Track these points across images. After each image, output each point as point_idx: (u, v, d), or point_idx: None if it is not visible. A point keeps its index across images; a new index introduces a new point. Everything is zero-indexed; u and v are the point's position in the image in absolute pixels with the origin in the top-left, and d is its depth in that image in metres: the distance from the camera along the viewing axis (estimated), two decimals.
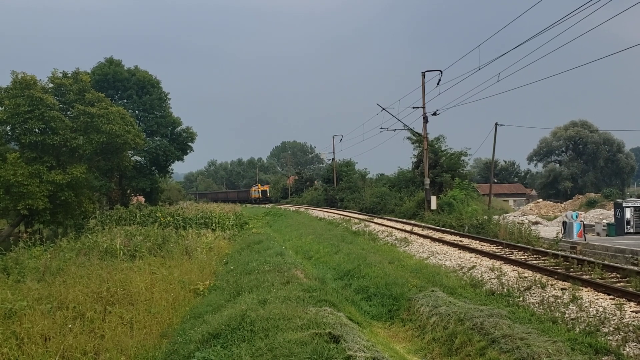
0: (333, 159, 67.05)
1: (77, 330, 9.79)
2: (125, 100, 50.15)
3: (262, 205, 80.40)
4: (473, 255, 17.15)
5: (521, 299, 11.46)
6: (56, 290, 12.10)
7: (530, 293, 11.65)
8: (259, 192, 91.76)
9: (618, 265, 13.97)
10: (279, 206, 69.25)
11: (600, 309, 9.66)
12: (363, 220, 33.49)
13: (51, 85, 31.82)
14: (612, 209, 28.98)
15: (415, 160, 44.90)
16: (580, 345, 8.13)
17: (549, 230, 26.66)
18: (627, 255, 18.14)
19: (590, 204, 55.26)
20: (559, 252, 16.25)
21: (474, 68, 25.12)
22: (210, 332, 8.84)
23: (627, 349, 8.04)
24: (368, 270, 15.88)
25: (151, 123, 50.39)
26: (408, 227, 27.23)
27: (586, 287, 11.39)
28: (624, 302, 9.92)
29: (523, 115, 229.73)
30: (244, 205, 77.20)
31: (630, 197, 53.07)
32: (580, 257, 15.45)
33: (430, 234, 23.59)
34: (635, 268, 13.24)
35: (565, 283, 11.90)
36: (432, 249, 19.23)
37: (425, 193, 34.02)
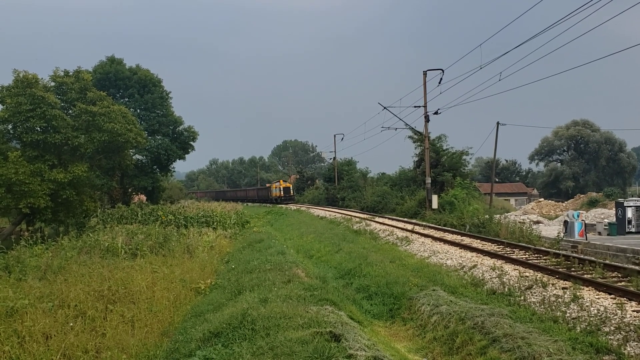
0: (334, 158, 67.02)
1: (79, 329, 9.81)
2: (126, 99, 50.20)
3: (284, 205, 67.52)
4: (474, 254, 17.14)
5: (522, 298, 11.46)
6: (57, 288, 12.12)
7: (531, 292, 11.64)
8: (280, 190, 75.76)
9: (619, 264, 13.95)
10: (280, 205, 69.21)
11: (601, 309, 9.64)
12: (364, 219, 33.48)
13: (53, 83, 31.84)
14: (614, 209, 28.96)
15: (416, 159, 44.87)
16: (581, 345, 8.13)
17: (550, 230, 26.63)
18: (628, 255, 18.12)
19: (592, 204, 55.21)
20: (560, 252, 16.23)
21: (475, 67, 25.10)
22: (211, 331, 8.85)
23: (628, 349, 8.03)
24: (369, 269, 15.89)
25: (153, 122, 50.42)
26: (409, 226, 27.21)
27: (587, 286, 11.37)
28: (625, 302, 9.91)
29: (524, 115, 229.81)
30: (245, 204, 76.55)
31: (632, 196, 52.99)
32: (582, 256, 15.43)
33: (431, 233, 23.57)
34: (637, 267, 13.22)
35: (567, 282, 11.89)
36: (433, 248, 19.22)
37: (426, 192, 33.99)
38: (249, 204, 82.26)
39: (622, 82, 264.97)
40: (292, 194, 76.91)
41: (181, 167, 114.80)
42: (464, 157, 41.90)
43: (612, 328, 8.77)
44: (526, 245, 17.89)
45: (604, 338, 8.46)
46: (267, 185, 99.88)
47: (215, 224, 32.60)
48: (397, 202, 40.75)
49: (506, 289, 12.24)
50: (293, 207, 59.08)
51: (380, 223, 30.38)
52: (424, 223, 28.47)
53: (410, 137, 42.48)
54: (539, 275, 12.78)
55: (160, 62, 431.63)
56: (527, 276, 12.81)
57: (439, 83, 31.24)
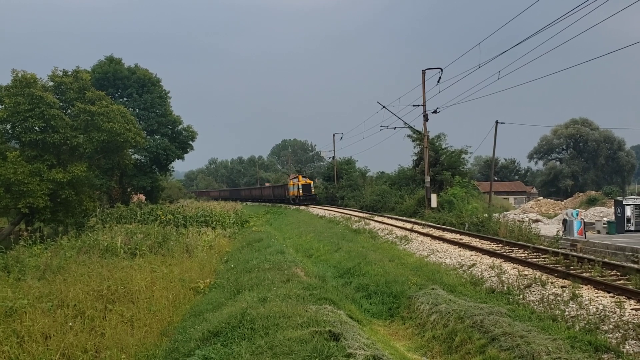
0: (333, 157, 67.03)
1: (78, 329, 9.82)
2: (125, 99, 50.14)
3: (304, 206, 55.66)
4: (473, 253, 17.15)
5: (521, 296, 11.47)
6: (57, 288, 12.13)
7: (530, 291, 11.65)
8: (298, 188, 60.32)
9: (618, 263, 13.96)
10: (279, 204, 69.12)
11: (600, 307, 9.66)
12: (363, 218, 33.49)
13: (51, 83, 31.84)
14: (613, 207, 28.97)
15: (415, 158, 44.89)
16: (580, 343, 8.13)
17: (550, 228, 26.64)
18: (627, 253, 18.13)
19: (591, 202, 55.24)
20: (559, 250, 16.25)
21: (474, 66, 25.10)
22: (210, 330, 8.86)
23: (627, 347, 8.04)
24: (368, 268, 15.90)
25: (151, 122, 50.38)
26: (408, 225, 27.22)
27: (586, 285, 11.39)
28: (624, 300, 9.92)
29: (523, 113, 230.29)
30: (244, 204, 75.71)
31: (631, 195, 53.03)
32: (581, 255, 15.44)
33: (430, 232, 23.58)
34: (635, 266, 13.24)
35: (565, 281, 11.90)
36: (432, 247, 19.23)
37: (425, 191, 34.00)
38: (248, 203, 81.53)
39: (621, 81, 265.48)
40: (313, 193, 61.36)
41: (180, 167, 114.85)
42: (463, 155, 41.98)
43: (611, 326, 8.78)
44: (525, 243, 17.90)
45: (602, 336, 8.47)
46: (268, 183, 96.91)
47: (214, 223, 32.63)
48: (396, 201, 40.76)
49: (505, 288, 12.25)
50: (292, 206, 58.98)
51: (380, 222, 30.39)
52: (423, 222, 28.48)
53: (409, 136, 42.55)
54: (538, 273, 12.79)
55: (159, 61, 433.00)
56: (526, 275, 12.82)
57: (438, 82, 31.24)
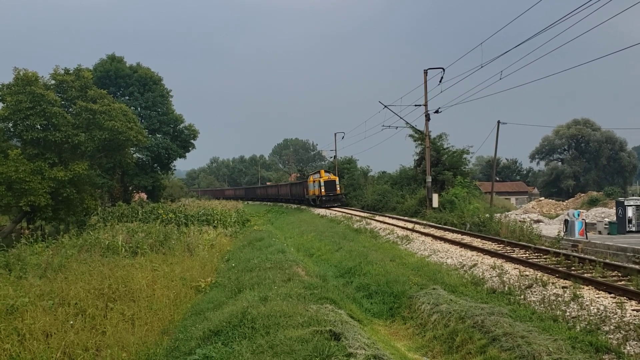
0: (335, 157, 66.91)
1: (79, 327, 9.83)
2: (127, 97, 50.20)
3: (326, 208, 45.89)
4: (474, 253, 17.13)
5: (522, 297, 11.46)
6: (58, 286, 12.15)
7: (531, 291, 11.64)
8: (319, 186, 49.05)
9: (619, 263, 13.94)
10: (280, 203, 69.09)
11: (601, 308, 9.64)
12: (364, 217, 33.47)
13: (53, 81, 31.87)
14: (614, 208, 28.95)
15: (417, 158, 44.84)
16: (580, 344, 8.13)
17: (551, 229, 26.62)
18: (628, 254, 18.12)
19: (592, 203, 55.20)
20: (561, 251, 16.23)
21: (476, 66, 25.07)
22: (211, 329, 8.86)
23: (628, 348, 8.03)
24: (369, 268, 15.89)
25: (153, 120, 50.41)
26: (410, 225, 27.19)
27: (587, 285, 11.37)
28: (625, 301, 9.90)
29: (525, 113, 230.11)
30: (246, 203, 75.47)
31: (632, 195, 52.94)
32: (582, 255, 15.42)
33: (431, 232, 23.55)
34: (637, 267, 13.22)
35: (567, 281, 11.89)
36: (433, 247, 19.21)
37: (427, 191, 33.96)
38: (249, 202, 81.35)
39: (623, 81, 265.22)
40: (339, 192, 49.44)
41: (182, 166, 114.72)
42: (465, 155, 41.94)
43: (612, 327, 8.77)
44: (526, 244, 17.88)
45: (603, 337, 8.46)
46: (269, 182, 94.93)
47: (215, 222, 32.66)
48: (398, 201, 40.71)
49: (506, 288, 12.24)
50: (294, 205, 58.92)
51: (381, 222, 30.36)
52: (425, 222, 28.45)
53: (410, 135, 42.52)
54: (539, 274, 12.78)
55: (159, 59, 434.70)
56: (527, 275, 12.81)
57: (440, 82, 31.16)
